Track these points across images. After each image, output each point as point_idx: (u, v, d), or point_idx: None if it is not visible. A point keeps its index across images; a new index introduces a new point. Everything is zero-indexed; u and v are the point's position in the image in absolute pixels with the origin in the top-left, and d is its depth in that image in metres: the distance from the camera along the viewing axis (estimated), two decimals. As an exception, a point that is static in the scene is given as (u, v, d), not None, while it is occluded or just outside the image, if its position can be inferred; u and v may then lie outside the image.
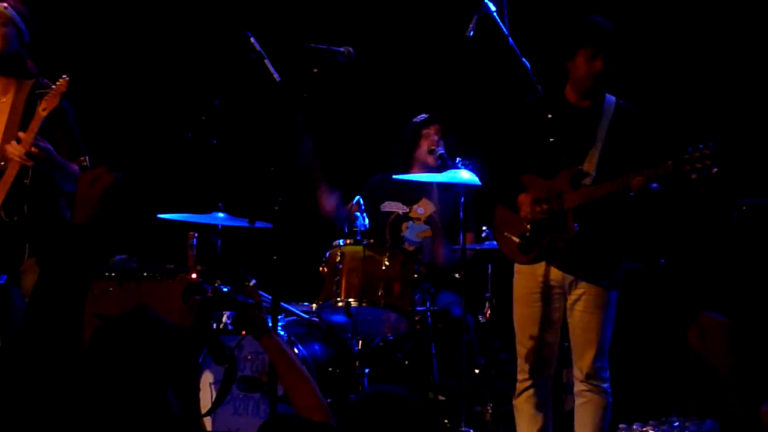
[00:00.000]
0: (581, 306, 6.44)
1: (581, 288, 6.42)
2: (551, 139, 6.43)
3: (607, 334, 6.50)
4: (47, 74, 6.74)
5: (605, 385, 6.50)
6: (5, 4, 6.65)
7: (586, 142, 6.40)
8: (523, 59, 6.73)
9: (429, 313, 7.61)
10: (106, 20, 9.57)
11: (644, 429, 7.05)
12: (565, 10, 8.64)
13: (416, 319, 7.64)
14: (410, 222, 8.12)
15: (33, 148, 6.37)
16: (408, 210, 8.17)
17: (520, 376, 6.57)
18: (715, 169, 6.02)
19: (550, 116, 6.47)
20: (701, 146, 6.04)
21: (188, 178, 9.02)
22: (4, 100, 6.68)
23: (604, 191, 6.26)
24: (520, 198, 6.44)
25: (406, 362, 7.76)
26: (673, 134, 6.67)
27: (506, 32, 6.80)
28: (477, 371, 7.85)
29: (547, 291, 6.49)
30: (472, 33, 6.86)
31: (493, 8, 6.85)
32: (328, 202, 8.08)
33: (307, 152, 7.95)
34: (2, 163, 6.53)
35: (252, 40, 7.03)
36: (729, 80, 8.99)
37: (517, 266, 6.58)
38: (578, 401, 6.53)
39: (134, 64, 9.56)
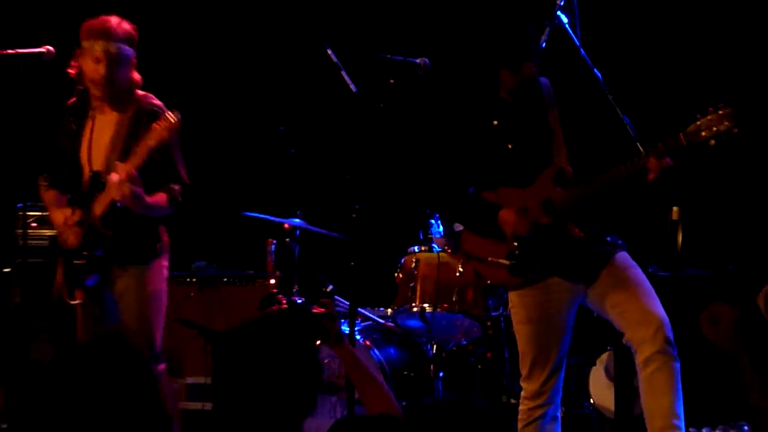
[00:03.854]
0: (612, 281, 6.02)
1: (601, 277, 6.02)
2: (509, 146, 6.16)
3: (646, 288, 6.07)
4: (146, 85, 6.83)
5: (674, 349, 6.03)
6: (116, 43, 6.65)
7: (545, 137, 6.11)
8: (595, 70, 6.37)
9: (502, 318, 7.60)
10: (197, 35, 9.67)
11: None
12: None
13: (489, 324, 7.67)
14: None
15: (127, 190, 6.34)
16: None
17: (528, 402, 6.14)
18: (736, 130, 5.70)
19: (496, 123, 6.21)
20: (711, 109, 5.72)
21: (268, 187, 9.04)
22: (113, 119, 6.72)
23: (609, 178, 5.91)
24: (501, 215, 6.06)
25: (479, 366, 7.75)
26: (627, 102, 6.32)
27: (578, 43, 6.48)
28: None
29: (551, 307, 6.09)
30: (544, 44, 6.51)
31: (565, 20, 6.58)
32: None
33: None
34: (107, 182, 6.56)
35: (329, 52, 6.95)
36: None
37: (511, 294, 6.22)
38: (650, 368, 5.95)
39: (219, 75, 9.62)
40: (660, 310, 6.01)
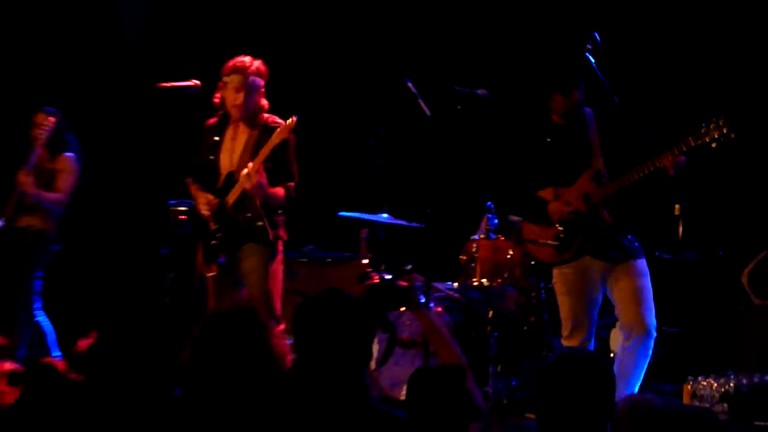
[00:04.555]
0: (622, 281, 6.15)
1: (617, 270, 6.14)
2: (558, 157, 6.22)
3: (650, 294, 6.19)
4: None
5: (651, 338, 6.20)
6: (250, 76, 6.76)
7: (586, 149, 6.19)
8: (615, 98, 6.28)
9: (543, 291, 7.62)
10: (312, 74, 9.52)
11: (707, 380, 7.02)
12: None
13: (533, 295, 7.68)
14: None
15: (253, 179, 6.49)
16: None
17: (568, 345, 6.24)
18: (733, 135, 5.79)
19: (549, 140, 6.28)
20: (714, 119, 5.81)
21: (362, 188, 8.77)
22: (245, 133, 6.80)
23: (635, 177, 5.99)
24: (550, 207, 6.21)
25: (525, 328, 7.72)
26: (640, 120, 6.38)
27: (603, 78, 6.30)
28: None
29: (587, 281, 6.18)
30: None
31: (592, 60, 6.31)
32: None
33: None
34: (236, 176, 6.68)
35: (409, 84, 6.95)
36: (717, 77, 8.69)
37: (555, 269, 6.29)
38: (626, 352, 6.19)
39: (327, 104, 9.46)
40: (648, 319, 6.16)
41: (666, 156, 5.87)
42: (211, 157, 6.85)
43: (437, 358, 4.48)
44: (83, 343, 4.19)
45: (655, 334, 6.20)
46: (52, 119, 7.76)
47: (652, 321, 6.15)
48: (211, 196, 6.81)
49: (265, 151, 6.58)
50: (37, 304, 7.78)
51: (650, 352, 6.20)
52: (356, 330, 3.61)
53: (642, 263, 6.18)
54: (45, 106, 7.89)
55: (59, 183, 7.77)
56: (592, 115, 6.24)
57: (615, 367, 6.14)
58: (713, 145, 5.79)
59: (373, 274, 7.54)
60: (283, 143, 6.63)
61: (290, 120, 6.58)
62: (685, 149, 5.86)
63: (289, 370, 3.69)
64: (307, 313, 3.64)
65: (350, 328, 3.60)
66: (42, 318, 7.76)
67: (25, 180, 7.64)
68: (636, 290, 6.13)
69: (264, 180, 6.55)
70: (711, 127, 5.81)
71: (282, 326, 6.58)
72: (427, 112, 6.92)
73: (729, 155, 7.28)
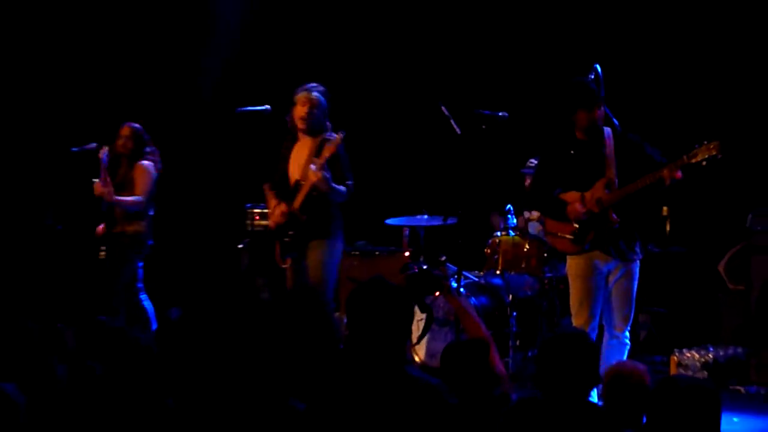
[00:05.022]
0: (620, 281, 6.07)
1: (619, 268, 6.04)
2: (579, 167, 6.11)
3: (635, 299, 6.13)
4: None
5: (628, 338, 6.12)
6: (315, 93, 6.78)
7: (601, 161, 6.05)
8: (615, 120, 6.21)
9: (554, 279, 7.57)
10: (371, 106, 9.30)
11: (690, 352, 7.14)
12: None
13: (546, 282, 7.65)
14: (533, 222, 7.77)
15: (319, 173, 6.50)
16: (530, 214, 7.85)
17: (576, 321, 6.12)
18: (720, 156, 5.71)
19: (572, 152, 6.16)
20: (705, 142, 5.73)
21: (405, 194, 8.80)
22: (307, 144, 6.77)
23: (638, 186, 5.90)
24: (569, 207, 6.10)
25: (539, 309, 7.63)
26: (648, 139, 6.22)
27: (602, 95, 6.19)
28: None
29: (595, 271, 6.08)
30: None
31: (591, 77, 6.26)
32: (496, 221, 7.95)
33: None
34: (303, 182, 6.69)
35: (442, 107, 6.98)
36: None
37: (569, 257, 6.21)
38: (607, 347, 6.09)
39: (378, 123, 9.23)
40: (631, 319, 6.11)
41: (664, 170, 5.81)
42: (283, 167, 6.87)
43: (466, 334, 4.52)
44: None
45: (629, 329, 6.16)
46: (128, 132, 7.62)
47: (631, 320, 6.15)
48: (283, 206, 6.81)
49: (325, 154, 6.57)
50: (141, 288, 7.68)
51: (629, 341, 6.15)
52: (398, 311, 3.60)
53: (637, 267, 6.13)
54: (132, 121, 7.74)
55: (137, 188, 7.53)
56: (610, 134, 6.11)
57: (601, 357, 5.81)
58: (703, 163, 5.75)
59: (412, 265, 7.59)
60: (338, 150, 6.65)
61: (339, 135, 6.62)
62: (680, 166, 5.80)
63: (344, 342, 3.75)
64: (358, 297, 3.63)
65: (393, 310, 3.58)
66: (144, 299, 7.68)
67: (102, 190, 7.45)
68: (629, 295, 6.10)
69: (328, 174, 6.55)
70: (702, 148, 5.75)
71: (333, 306, 6.66)
72: (458, 131, 6.94)
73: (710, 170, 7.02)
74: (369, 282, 3.68)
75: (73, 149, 7.64)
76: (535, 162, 7.33)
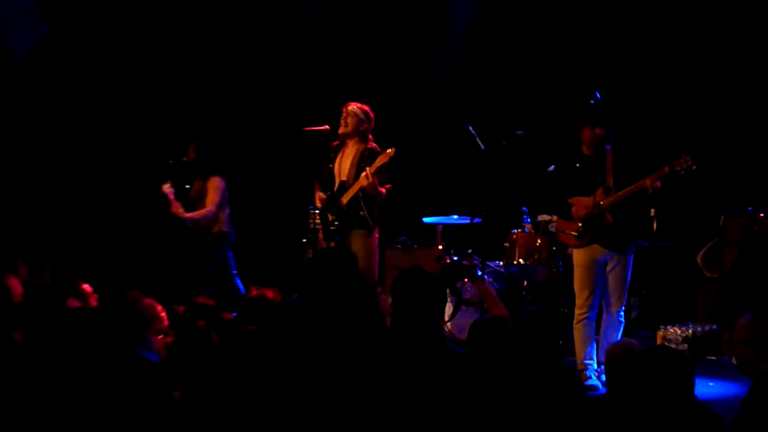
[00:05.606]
0: (615, 270, 6.05)
1: (614, 259, 6.03)
2: (585, 177, 6.08)
3: (628, 285, 6.10)
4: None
5: (622, 317, 6.09)
6: (352, 105, 6.72)
7: (602, 172, 6.02)
8: (611, 137, 6.11)
9: (561, 269, 7.57)
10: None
11: (673, 328, 7.11)
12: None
13: (554, 270, 7.66)
14: (554, 223, 7.34)
15: (370, 179, 6.47)
16: (551, 217, 7.60)
17: (578, 311, 6.11)
18: (695, 167, 5.69)
19: (578, 165, 6.12)
20: (684, 155, 5.74)
21: (439, 199, 8.51)
22: (353, 150, 6.70)
23: (628, 192, 5.89)
24: (574, 209, 6.07)
25: (549, 292, 7.67)
26: (643, 154, 6.22)
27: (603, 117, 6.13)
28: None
29: (594, 260, 6.06)
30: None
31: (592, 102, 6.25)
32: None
33: None
34: (350, 183, 6.57)
35: (469, 127, 6.94)
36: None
37: (574, 250, 6.20)
38: (606, 324, 6.09)
39: (417, 140, 9.01)
40: (624, 302, 6.05)
41: (647, 180, 5.83)
42: (330, 168, 6.83)
43: (489, 313, 4.51)
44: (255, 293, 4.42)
45: (623, 309, 6.13)
46: (195, 148, 7.49)
47: (625, 302, 6.12)
48: (322, 194, 6.75)
49: (376, 164, 6.53)
50: (235, 274, 7.65)
51: (623, 319, 6.13)
52: (433, 295, 3.61)
53: (632, 258, 6.08)
54: (205, 140, 7.63)
55: (208, 199, 7.41)
56: (610, 149, 6.06)
57: (600, 332, 6.13)
58: (681, 173, 5.76)
59: (445, 256, 7.59)
60: (372, 153, 6.63)
61: (391, 149, 6.58)
62: (661, 176, 5.81)
63: (391, 320, 3.69)
64: (401, 282, 3.64)
65: (430, 293, 3.59)
66: (237, 281, 7.64)
67: (177, 210, 7.40)
68: (623, 281, 6.07)
69: (376, 181, 6.55)
70: (681, 160, 5.75)
71: (379, 288, 6.59)
72: (482, 146, 6.93)
73: (685, 182, 6.88)
74: (410, 270, 3.70)
75: (170, 162, 7.63)
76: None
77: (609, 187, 6.02)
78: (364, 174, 6.55)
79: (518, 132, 6.87)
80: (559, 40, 8.89)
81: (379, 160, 6.60)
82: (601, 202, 6.03)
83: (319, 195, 6.84)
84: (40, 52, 8.56)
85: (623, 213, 6.03)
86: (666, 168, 5.83)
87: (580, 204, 6.10)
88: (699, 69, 8.46)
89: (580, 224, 6.09)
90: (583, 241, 6.12)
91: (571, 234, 6.17)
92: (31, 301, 4.15)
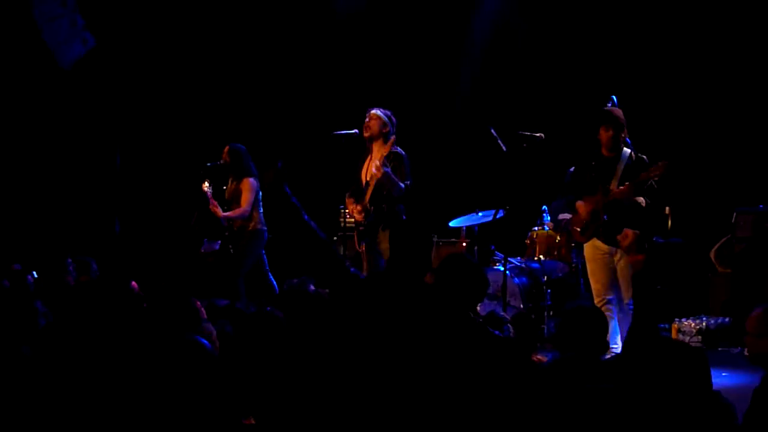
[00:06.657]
0: (620, 263, 6.04)
1: (618, 252, 5.99)
2: (595, 177, 6.13)
3: None
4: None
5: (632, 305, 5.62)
6: (375, 110, 6.74)
7: (611, 173, 6.06)
8: (628, 140, 6.14)
9: (579, 264, 7.40)
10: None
11: (688, 321, 7.20)
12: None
13: (573, 265, 7.75)
14: None
15: (382, 170, 6.45)
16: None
17: (596, 299, 6.11)
18: (665, 173, 5.75)
19: (594, 163, 6.17)
20: (659, 162, 5.78)
21: (464, 198, 8.65)
22: (378, 155, 6.67)
23: (616, 195, 5.95)
24: (580, 207, 6.20)
25: (568, 285, 7.68)
26: (652, 157, 6.09)
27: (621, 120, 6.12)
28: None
29: (599, 254, 6.14)
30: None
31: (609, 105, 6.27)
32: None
33: None
34: (370, 180, 6.69)
35: (492, 131, 6.92)
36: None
37: (585, 245, 6.23)
38: (620, 313, 6.10)
39: (444, 146, 9.14)
40: (630, 294, 5.77)
41: (626, 186, 5.94)
42: (358, 177, 6.90)
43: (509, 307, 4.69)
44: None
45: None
46: (229, 151, 7.49)
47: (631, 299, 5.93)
48: (359, 206, 6.74)
49: (383, 152, 6.56)
50: (267, 269, 7.67)
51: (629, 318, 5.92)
52: (475, 278, 3.74)
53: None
54: (236, 142, 7.61)
55: (243, 199, 7.40)
56: (627, 155, 6.09)
57: (616, 320, 6.09)
58: (656, 178, 5.81)
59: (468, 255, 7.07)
60: (395, 155, 6.63)
61: (391, 138, 6.58)
62: (638, 181, 5.87)
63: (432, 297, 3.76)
64: (447, 266, 3.73)
65: (471, 277, 3.70)
66: (271, 278, 7.66)
67: (214, 210, 7.43)
68: (629, 273, 5.95)
69: (388, 170, 6.51)
70: (656, 167, 5.82)
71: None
72: (504, 148, 6.92)
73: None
74: (454, 255, 3.89)
75: (208, 164, 7.66)
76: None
77: (607, 189, 6.09)
78: (374, 166, 6.57)
79: (538, 135, 6.87)
80: (579, 44, 8.93)
81: (385, 149, 6.60)
82: (600, 202, 6.14)
83: (355, 208, 6.83)
84: (86, 60, 8.75)
85: (616, 211, 6.06)
86: (642, 174, 5.89)
87: (587, 202, 6.20)
88: (713, 70, 8.46)
89: (584, 221, 6.21)
90: (585, 236, 6.25)
91: (577, 231, 6.29)
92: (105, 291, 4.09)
